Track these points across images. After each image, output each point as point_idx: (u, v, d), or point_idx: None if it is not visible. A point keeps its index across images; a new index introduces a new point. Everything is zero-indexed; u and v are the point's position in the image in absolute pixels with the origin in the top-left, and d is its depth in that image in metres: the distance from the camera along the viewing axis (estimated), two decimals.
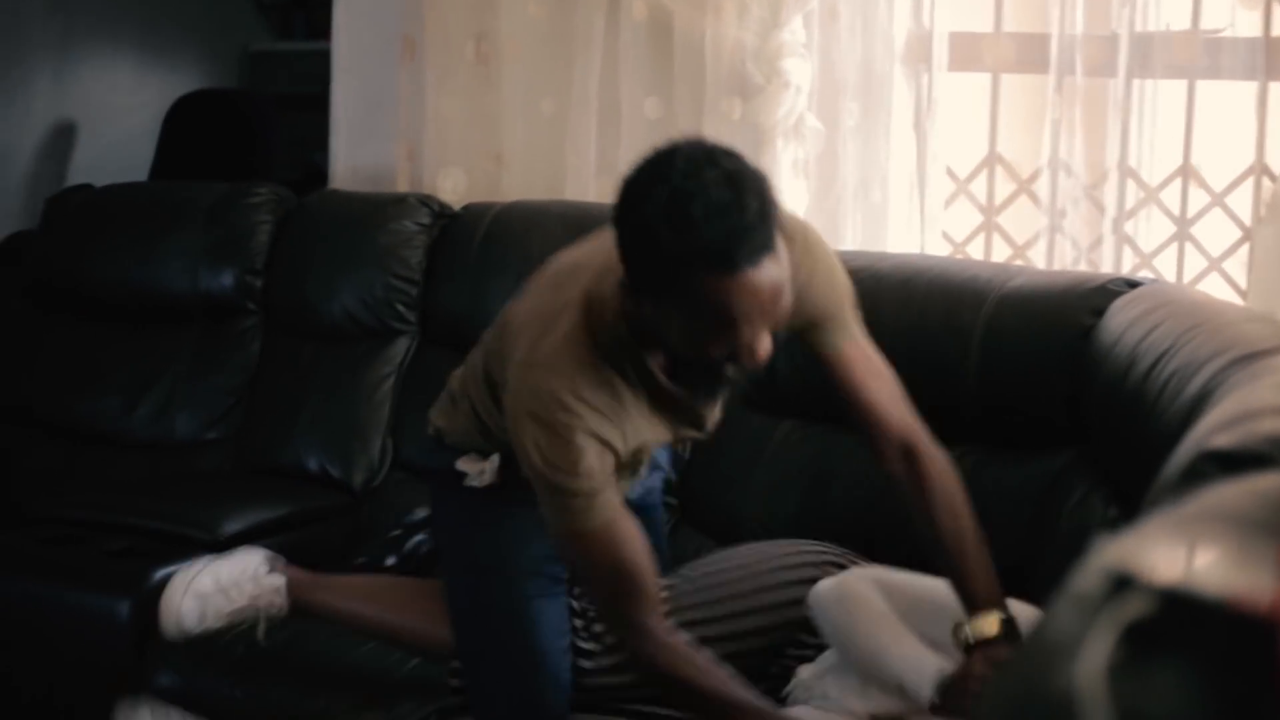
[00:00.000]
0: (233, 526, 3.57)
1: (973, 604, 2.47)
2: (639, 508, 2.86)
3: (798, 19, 3.75)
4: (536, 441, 2.37)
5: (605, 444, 2.40)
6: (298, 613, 3.17)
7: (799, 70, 3.73)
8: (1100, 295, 2.90)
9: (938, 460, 2.55)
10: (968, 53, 3.75)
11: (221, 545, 3.50)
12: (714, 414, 2.67)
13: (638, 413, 2.48)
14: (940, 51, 3.69)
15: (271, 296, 4.27)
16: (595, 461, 2.38)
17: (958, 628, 2.46)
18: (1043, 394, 2.92)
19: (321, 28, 4.88)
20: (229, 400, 4.23)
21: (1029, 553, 2.76)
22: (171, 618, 3.18)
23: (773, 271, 2.22)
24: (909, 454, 2.55)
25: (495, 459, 2.67)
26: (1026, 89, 3.79)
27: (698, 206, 2.16)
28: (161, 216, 4.41)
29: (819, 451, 3.20)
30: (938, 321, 3.02)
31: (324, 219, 4.23)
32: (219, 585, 3.19)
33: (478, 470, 2.69)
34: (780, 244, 2.24)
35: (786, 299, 2.27)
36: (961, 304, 3.04)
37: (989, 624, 2.43)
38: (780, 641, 2.78)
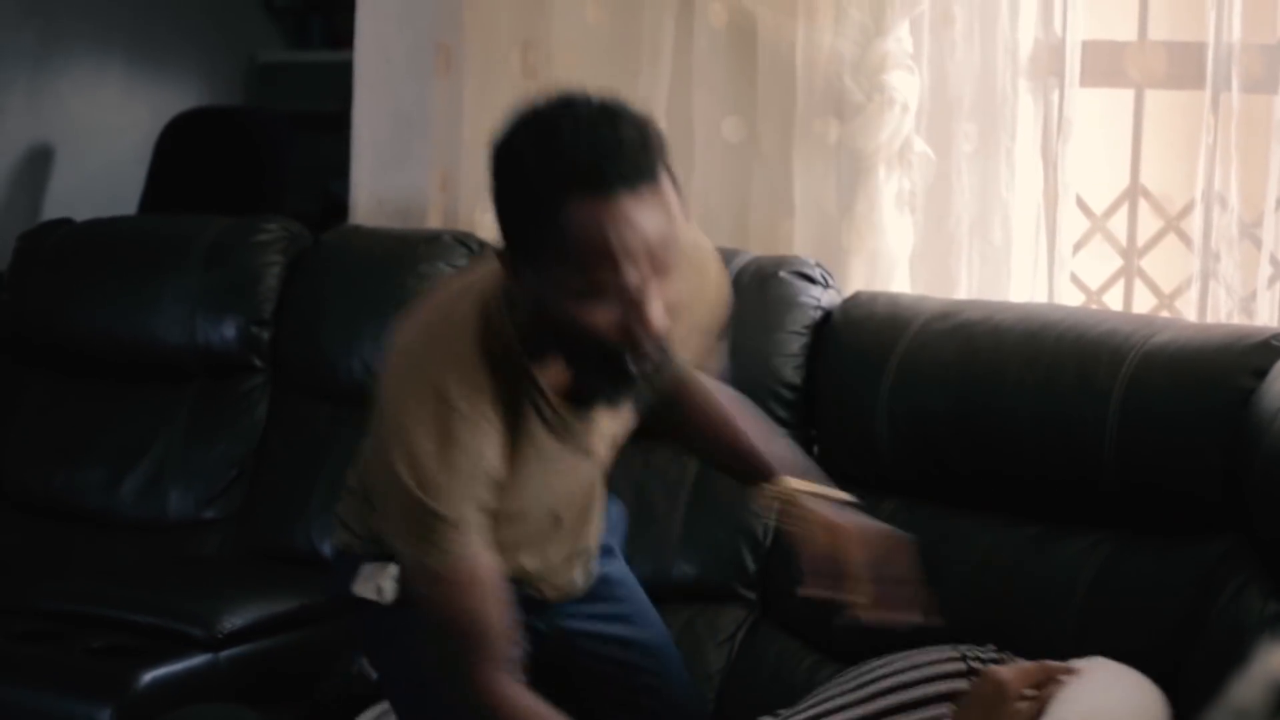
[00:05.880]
0: (233, 622, 3.59)
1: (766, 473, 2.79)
2: (612, 599, 2.99)
3: (904, 25, 3.75)
4: (408, 445, 2.44)
5: (478, 458, 2.47)
6: None
7: (905, 85, 3.74)
8: (1262, 353, 2.90)
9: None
10: (1106, 64, 3.75)
11: (220, 643, 3.54)
12: (608, 433, 2.75)
13: (531, 445, 2.57)
14: (1073, 63, 3.69)
15: (281, 351, 4.31)
16: (468, 477, 2.46)
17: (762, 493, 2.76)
18: (1193, 469, 2.91)
19: (342, 35, 4.95)
20: (231, 473, 4.26)
21: (1176, 655, 2.76)
22: None
23: (655, 211, 2.32)
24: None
25: (393, 568, 2.69)
26: (1176, 107, 3.79)
27: (565, 126, 2.28)
28: (152, 256, 4.46)
29: (928, 536, 3.20)
30: (1070, 384, 3.02)
31: (343, 260, 4.27)
32: None
33: (374, 589, 2.73)
34: (669, 188, 2.34)
35: (674, 257, 2.36)
36: (1098, 363, 3.04)
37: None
38: None
